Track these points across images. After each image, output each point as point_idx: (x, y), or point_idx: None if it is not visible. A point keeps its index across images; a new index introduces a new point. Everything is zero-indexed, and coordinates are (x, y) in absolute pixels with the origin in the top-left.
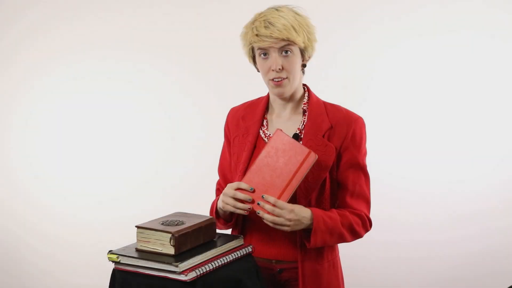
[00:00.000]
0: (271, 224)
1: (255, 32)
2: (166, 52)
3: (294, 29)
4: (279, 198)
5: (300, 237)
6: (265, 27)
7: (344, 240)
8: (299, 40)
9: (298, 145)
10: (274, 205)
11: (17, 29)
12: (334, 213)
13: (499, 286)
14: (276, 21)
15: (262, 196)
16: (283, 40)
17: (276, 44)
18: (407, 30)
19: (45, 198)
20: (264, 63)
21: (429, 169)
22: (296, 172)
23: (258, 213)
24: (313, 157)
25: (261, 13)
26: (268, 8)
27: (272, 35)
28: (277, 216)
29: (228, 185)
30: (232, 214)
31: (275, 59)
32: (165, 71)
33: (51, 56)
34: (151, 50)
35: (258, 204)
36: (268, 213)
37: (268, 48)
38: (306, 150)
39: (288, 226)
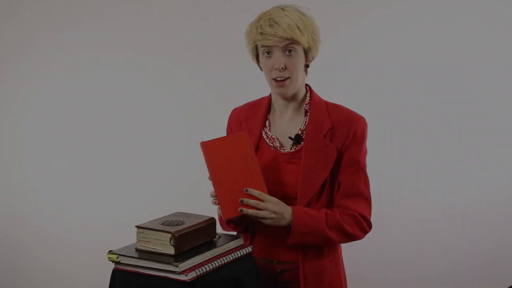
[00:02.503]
0: (253, 217)
1: (260, 31)
2: (168, 52)
3: (299, 28)
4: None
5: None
6: (270, 25)
7: (331, 241)
8: (303, 40)
9: (226, 137)
10: (259, 199)
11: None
12: (320, 213)
13: (499, 286)
14: (281, 20)
15: (246, 191)
16: (287, 39)
17: (280, 43)
18: (409, 30)
19: (44, 198)
20: (267, 62)
21: (430, 170)
22: (246, 159)
23: (241, 210)
24: (244, 136)
25: (267, 11)
26: (274, 7)
27: (276, 33)
28: (262, 209)
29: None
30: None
31: (279, 58)
32: (167, 71)
33: (50, 56)
34: (152, 50)
35: (241, 201)
36: (252, 208)
37: (272, 47)
38: (235, 135)
39: (272, 219)
